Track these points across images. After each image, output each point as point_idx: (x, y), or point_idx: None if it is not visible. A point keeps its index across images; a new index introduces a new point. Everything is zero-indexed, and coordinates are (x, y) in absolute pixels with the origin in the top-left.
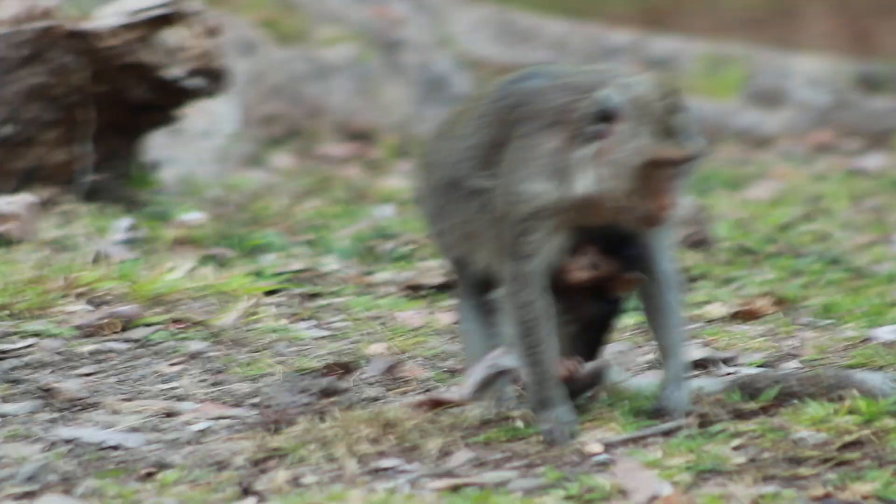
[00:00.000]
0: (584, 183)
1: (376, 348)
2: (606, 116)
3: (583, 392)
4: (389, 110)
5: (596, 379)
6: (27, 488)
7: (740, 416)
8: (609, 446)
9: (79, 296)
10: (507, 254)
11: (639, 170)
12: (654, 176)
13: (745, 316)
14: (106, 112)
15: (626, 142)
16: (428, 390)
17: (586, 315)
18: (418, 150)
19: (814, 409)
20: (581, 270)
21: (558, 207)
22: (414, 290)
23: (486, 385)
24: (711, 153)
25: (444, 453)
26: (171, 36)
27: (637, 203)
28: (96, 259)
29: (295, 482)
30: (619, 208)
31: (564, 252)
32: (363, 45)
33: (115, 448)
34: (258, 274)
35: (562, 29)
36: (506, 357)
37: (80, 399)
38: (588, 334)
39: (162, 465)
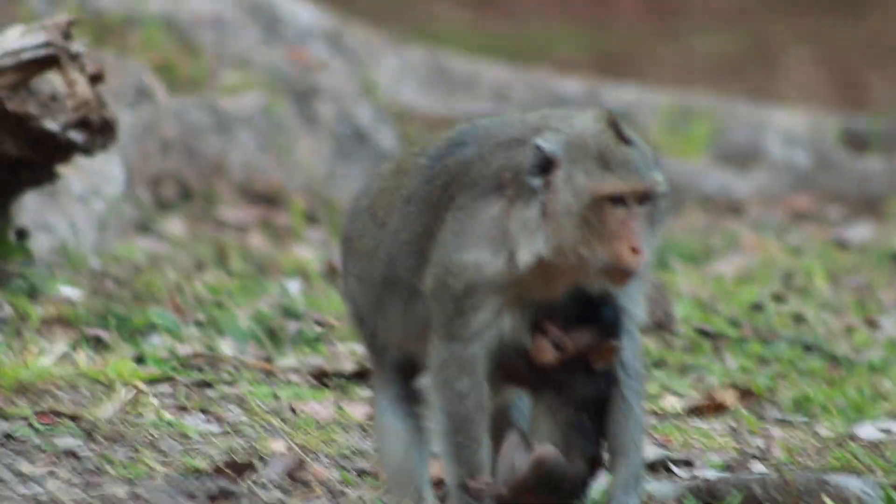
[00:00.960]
0: (533, 246)
1: (276, 446)
2: (545, 166)
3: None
4: (301, 168)
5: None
6: None
7: None
8: None
9: None
10: (440, 335)
11: (585, 213)
12: (605, 218)
13: (705, 411)
14: None
15: (568, 187)
16: (333, 495)
17: (577, 397)
18: (335, 217)
19: None
20: (544, 352)
21: (505, 279)
22: (322, 379)
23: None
24: (670, 197)
25: None
26: (47, 83)
27: (594, 255)
28: None
29: None
30: (577, 266)
31: (519, 330)
32: (272, 93)
33: None
34: (141, 359)
35: (503, 76)
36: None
37: None
38: (586, 424)
39: None
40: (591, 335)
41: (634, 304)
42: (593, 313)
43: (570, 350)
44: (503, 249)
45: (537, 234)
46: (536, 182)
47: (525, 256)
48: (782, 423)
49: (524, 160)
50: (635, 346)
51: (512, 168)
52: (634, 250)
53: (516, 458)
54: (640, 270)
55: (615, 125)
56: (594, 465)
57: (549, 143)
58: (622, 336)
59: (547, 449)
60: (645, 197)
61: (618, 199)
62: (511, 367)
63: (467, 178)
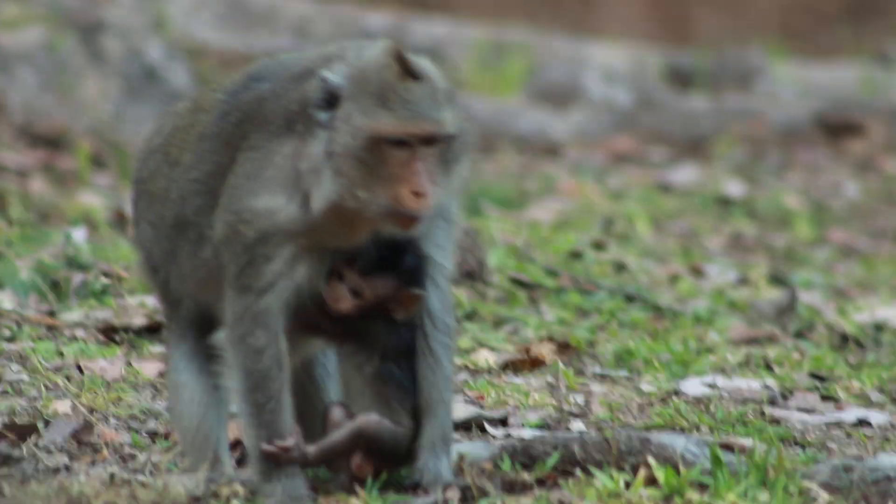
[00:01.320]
0: (321, 189)
1: (60, 407)
2: (331, 100)
3: (392, 461)
4: (87, 109)
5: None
6: None
7: (512, 489)
8: None
9: None
10: (233, 287)
11: (362, 154)
12: (386, 160)
13: (521, 366)
14: None
15: (347, 125)
16: (123, 459)
17: (379, 348)
18: (123, 160)
19: (603, 480)
20: (341, 300)
21: (300, 226)
22: (110, 335)
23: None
24: (469, 136)
25: None
26: None
27: (374, 198)
28: None
29: None
30: (362, 210)
31: (317, 279)
32: (55, 28)
33: None
34: None
35: (304, 10)
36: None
37: None
38: (396, 373)
39: None
40: (392, 283)
41: (441, 252)
42: (394, 260)
43: (368, 297)
44: (296, 193)
45: (324, 176)
46: (322, 117)
47: (316, 200)
48: (603, 378)
49: (311, 93)
50: (443, 296)
51: (300, 102)
52: (418, 194)
53: (337, 434)
54: (423, 215)
55: (401, 59)
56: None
57: (335, 76)
58: (425, 285)
59: (368, 418)
60: (431, 139)
61: (398, 140)
62: (309, 319)
63: (260, 116)
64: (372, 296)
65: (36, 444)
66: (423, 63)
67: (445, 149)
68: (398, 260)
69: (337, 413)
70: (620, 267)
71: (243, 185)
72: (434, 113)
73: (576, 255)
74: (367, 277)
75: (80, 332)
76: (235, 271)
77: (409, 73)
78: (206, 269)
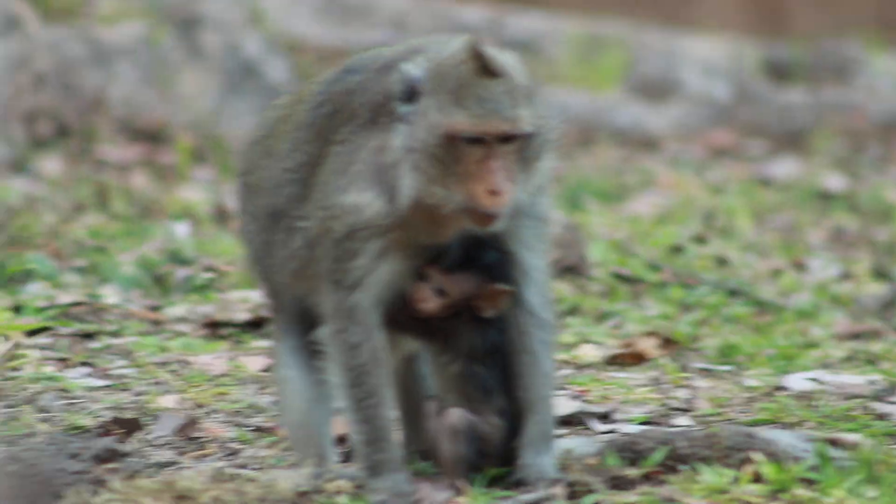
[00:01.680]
0: (403, 184)
1: (166, 402)
2: (411, 94)
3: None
4: (186, 104)
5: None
6: None
7: (618, 485)
8: None
9: None
10: (328, 283)
11: (438, 151)
12: (461, 157)
13: (625, 360)
14: None
15: (424, 121)
16: (230, 454)
17: (465, 348)
18: (223, 155)
19: (709, 476)
20: (426, 300)
21: (387, 222)
22: (214, 329)
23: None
24: (550, 131)
25: None
26: None
27: (450, 195)
28: None
29: None
30: (439, 205)
31: (406, 278)
32: (154, 23)
33: None
34: (18, 309)
35: (401, 4)
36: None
37: None
38: (481, 374)
39: None
40: (474, 279)
41: (532, 250)
42: (476, 257)
43: (453, 295)
44: (383, 188)
45: (404, 171)
46: (403, 110)
47: (399, 196)
48: (707, 373)
49: (393, 86)
50: (540, 293)
51: (384, 94)
52: (493, 192)
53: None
54: (500, 213)
55: (479, 55)
56: (511, 418)
57: (415, 69)
58: (510, 281)
59: (455, 415)
60: (507, 137)
61: (474, 138)
62: (398, 318)
63: (349, 108)
64: (456, 293)
65: (142, 440)
66: (503, 59)
67: (524, 146)
68: (479, 256)
69: (430, 408)
70: (722, 261)
71: (332, 181)
72: (509, 111)
73: (677, 250)
74: (450, 275)
75: (184, 327)
76: (328, 267)
77: (487, 69)
78: (297, 260)
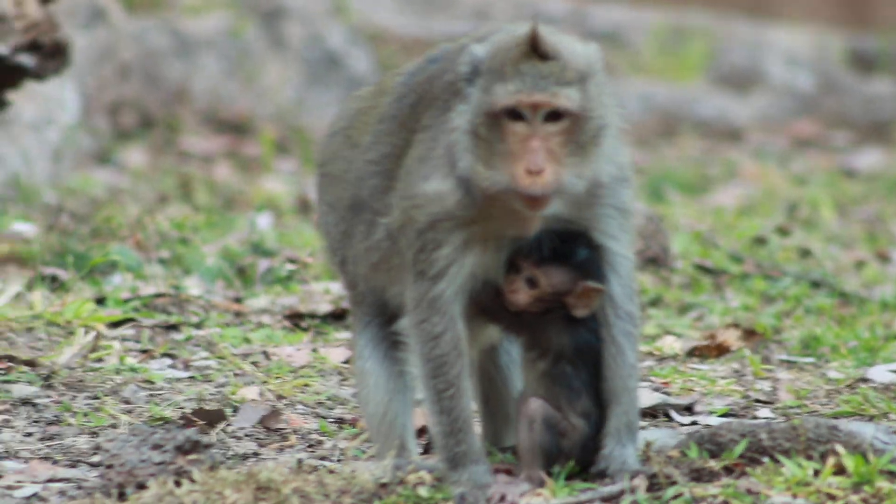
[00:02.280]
0: (460, 165)
1: (248, 393)
2: (474, 74)
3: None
4: (270, 95)
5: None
6: None
7: (699, 477)
8: None
9: None
10: (411, 273)
11: (482, 130)
12: (505, 136)
13: (707, 352)
14: None
15: (474, 101)
16: (311, 446)
17: (555, 346)
18: (306, 146)
19: (791, 469)
20: (518, 292)
21: (466, 211)
22: (296, 321)
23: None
24: (608, 118)
25: None
26: None
27: (496, 175)
28: None
29: None
30: (486, 188)
31: (494, 270)
32: (237, 14)
33: None
34: (101, 300)
35: None
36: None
37: None
38: (568, 373)
39: None
40: (567, 275)
41: (616, 242)
42: (568, 253)
43: (544, 288)
44: (460, 176)
45: (460, 152)
46: (467, 91)
47: (462, 176)
48: (789, 364)
49: (461, 67)
50: (624, 285)
51: (457, 76)
52: (532, 172)
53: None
54: (543, 194)
55: (533, 38)
56: (596, 423)
57: (480, 49)
58: (602, 279)
59: (533, 404)
60: (554, 114)
61: (516, 114)
62: (491, 311)
63: (430, 95)
64: (548, 286)
65: (224, 431)
66: (565, 44)
67: (574, 129)
68: (572, 252)
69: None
70: (805, 253)
71: (416, 169)
72: (552, 88)
73: (760, 241)
74: (542, 268)
75: (266, 319)
76: (411, 257)
77: (538, 50)
78: (378, 252)
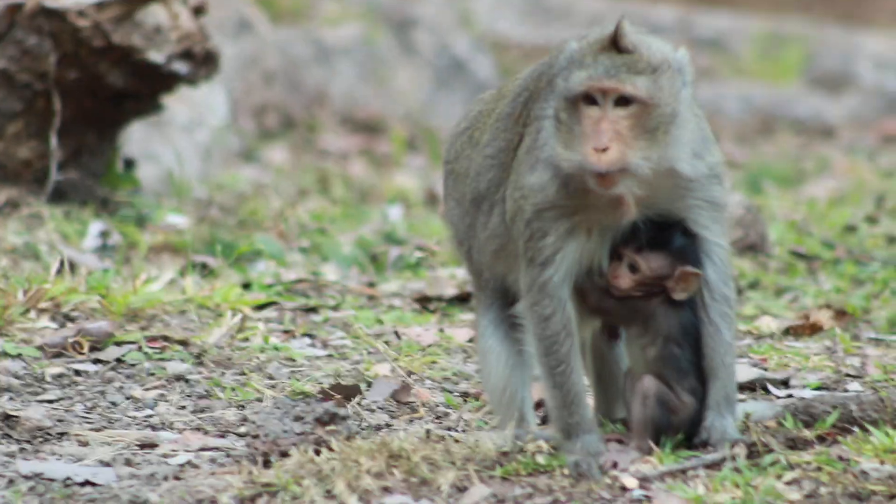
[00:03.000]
0: (546, 151)
1: (381, 370)
2: (567, 67)
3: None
4: (400, 98)
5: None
6: None
7: (794, 445)
8: (645, 480)
9: (42, 311)
10: (524, 260)
11: (561, 115)
12: (580, 120)
13: (801, 331)
14: (76, 101)
15: (558, 87)
16: (438, 417)
17: (663, 330)
18: (434, 144)
19: (879, 437)
20: (620, 277)
21: (566, 200)
22: (424, 304)
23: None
24: (676, 108)
25: (458, 489)
26: (151, 15)
27: (572, 155)
28: (62, 269)
29: None
30: (566, 169)
31: (598, 258)
32: (371, 24)
33: (84, 484)
34: (247, 285)
35: (597, 6)
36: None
37: (43, 429)
38: (678, 354)
39: None
40: (666, 260)
41: (710, 232)
42: (666, 240)
43: (645, 272)
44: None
45: (547, 139)
46: (558, 81)
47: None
48: (877, 342)
49: (559, 61)
50: (719, 270)
51: (555, 70)
52: (598, 149)
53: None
54: (609, 171)
55: (614, 32)
56: (702, 399)
57: (574, 44)
58: (699, 264)
59: (647, 381)
60: (623, 99)
61: (590, 99)
62: (596, 297)
63: (538, 89)
64: (648, 270)
65: (359, 404)
66: (645, 42)
67: (643, 115)
68: (670, 240)
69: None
70: (892, 239)
71: (524, 161)
72: (622, 75)
73: (850, 229)
74: (642, 254)
75: (396, 302)
76: (522, 245)
77: (616, 44)
78: (497, 240)
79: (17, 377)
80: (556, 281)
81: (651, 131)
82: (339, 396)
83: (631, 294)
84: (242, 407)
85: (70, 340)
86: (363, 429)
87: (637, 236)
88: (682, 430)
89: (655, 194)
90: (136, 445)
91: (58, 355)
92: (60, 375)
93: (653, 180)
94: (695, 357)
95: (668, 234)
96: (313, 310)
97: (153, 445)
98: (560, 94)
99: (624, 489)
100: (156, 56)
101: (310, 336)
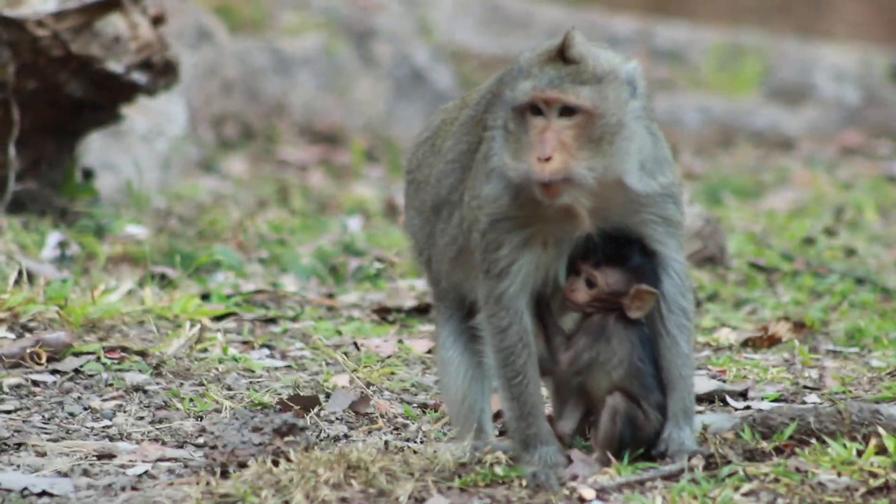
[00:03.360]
0: (494, 160)
1: (339, 381)
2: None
3: (647, 442)
4: (360, 108)
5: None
6: None
7: (752, 457)
8: (603, 492)
9: (0, 322)
10: (481, 271)
11: (509, 123)
12: (525, 130)
13: (759, 343)
14: (35, 111)
15: (505, 97)
16: (397, 429)
17: (625, 348)
18: (393, 155)
19: (836, 449)
20: (577, 291)
21: (517, 212)
22: (383, 315)
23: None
24: (621, 118)
25: (416, 500)
26: (111, 25)
27: (518, 165)
28: (20, 279)
29: None
30: (512, 178)
31: (555, 271)
32: (331, 35)
33: (41, 495)
34: (206, 296)
35: (557, 15)
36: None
37: (0, 439)
38: (644, 370)
39: None
40: (623, 277)
41: (665, 248)
42: (623, 257)
43: (602, 288)
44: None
45: (496, 149)
46: (507, 91)
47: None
48: (835, 354)
49: (510, 73)
50: (676, 283)
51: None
52: (542, 159)
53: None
54: (552, 181)
55: (561, 43)
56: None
57: (526, 55)
58: (657, 283)
59: (617, 398)
60: (568, 110)
61: (535, 109)
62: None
63: (497, 97)
64: (606, 286)
65: (318, 415)
66: (592, 52)
67: (588, 125)
68: (628, 257)
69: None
70: (851, 252)
71: (480, 168)
72: (566, 85)
73: (809, 241)
74: (600, 270)
75: (356, 313)
76: (479, 256)
77: (562, 54)
78: (455, 246)
79: None
80: (512, 293)
81: (596, 141)
82: (297, 407)
83: (586, 309)
84: (201, 418)
85: (28, 351)
86: (322, 440)
87: (595, 252)
88: (645, 444)
89: (608, 207)
90: (94, 456)
91: (15, 366)
92: (18, 386)
93: (602, 192)
94: (657, 372)
95: (626, 251)
96: (272, 321)
97: (111, 456)
98: (507, 103)
99: (582, 500)
100: (115, 66)
101: (269, 347)
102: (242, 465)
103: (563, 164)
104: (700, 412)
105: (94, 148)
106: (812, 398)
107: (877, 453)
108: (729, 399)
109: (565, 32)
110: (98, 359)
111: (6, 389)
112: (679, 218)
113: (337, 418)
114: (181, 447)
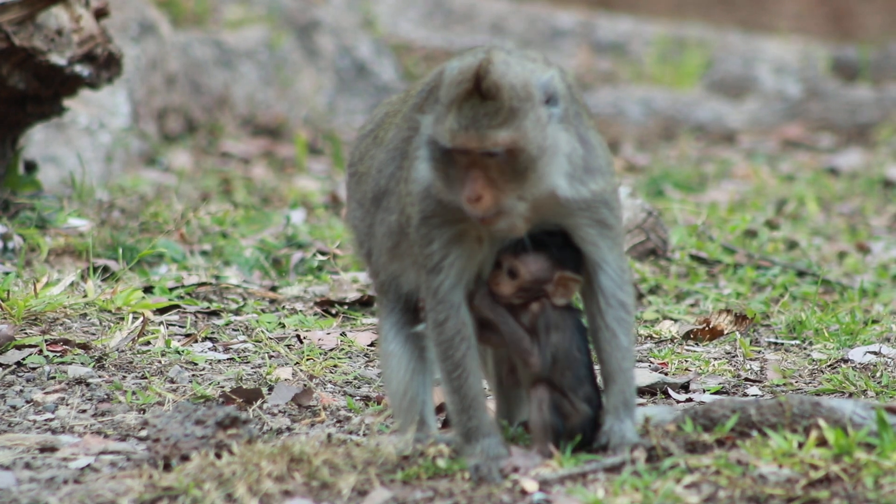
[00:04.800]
0: (424, 174)
1: (282, 373)
2: (434, 92)
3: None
4: (303, 101)
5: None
6: None
7: (694, 449)
8: (545, 484)
9: None
10: (419, 266)
11: (436, 153)
12: (453, 163)
13: (701, 335)
14: None
15: (429, 126)
16: (339, 421)
17: (559, 337)
18: (336, 148)
19: (777, 441)
20: (501, 284)
21: (446, 211)
22: (326, 308)
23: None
24: (546, 149)
25: (359, 493)
26: (54, 18)
27: (452, 195)
28: None
29: None
30: (447, 203)
31: (489, 266)
32: (274, 27)
33: None
34: (148, 289)
35: (500, 9)
36: None
37: None
38: (579, 360)
39: None
40: (544, 264)
41: (597, 247)
42: (545, 245)
43: (524, 277)
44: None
45: (422, 158)
46: (430, 107)
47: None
48: (776, 346)
49: (435, 78)
50: (613, 278)
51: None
52: (471, 199)
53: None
54: (487, 216)
55: (477, 76)
56: (598, 407)
57: (448, 68)
58: (579, 269)
59: (540, 389)
60: (488, 153)
61: (459, 149)
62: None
63: (435, 91)
64: (528, 275)
65: (261, 408)
66: (508, 78)
67: (511, 160)
68: (548, 245)
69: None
70: (792, 244)
71: (414, 167)
72: (484, 130)
73: (751, 234)
74: (521, 258)
75: (299, 306)
76: (417, 251)
77: (479, 90)
78: (392, 237)
79: None
80: (447, 286)
81: (521, 172)
82: (240, 400)
83: (512, 301)
84: (143, 411)
85: None
86: (264, 432)
87: (518, 243)
88: (579, 434)
89: (542, 213)
90: (37, 449)
91: None
92: None
93: (535, 205)
94: (591, 363)
95: (548, 239)
96: (215, 313)
97: (53, 449)
98: (432, 136)
99: (524, 493)
100: (58, 58)
101: (211, 340)
102: (185, 458)
103: (493, 200)
104: (642, 404)
105: (37, 140)
106: (753, 390)
107: (817, 445)
108: (671, 391)
109: (479, 62)
110: (40, 352)
111: None
112: (613, 221)
113: (280, 411)
114: (124, 440)
